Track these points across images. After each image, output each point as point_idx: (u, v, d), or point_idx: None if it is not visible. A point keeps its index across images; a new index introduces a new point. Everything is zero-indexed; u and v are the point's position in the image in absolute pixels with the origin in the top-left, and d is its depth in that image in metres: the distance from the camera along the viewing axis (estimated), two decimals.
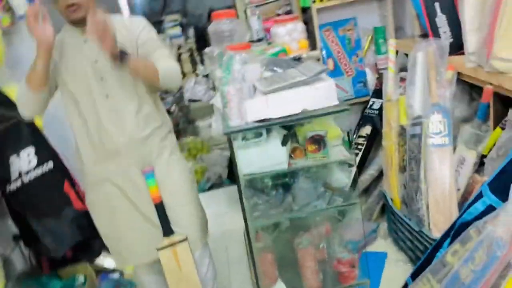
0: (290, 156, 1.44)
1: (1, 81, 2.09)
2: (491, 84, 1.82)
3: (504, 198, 1.47)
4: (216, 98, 1.94)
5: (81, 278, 2.15)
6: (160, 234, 1.72)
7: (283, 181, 1.50)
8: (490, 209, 1.56)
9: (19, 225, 1.94)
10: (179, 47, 6.36)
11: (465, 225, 1.61)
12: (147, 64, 1.61)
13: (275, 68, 1.45)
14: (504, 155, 1.64)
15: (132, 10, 6.46)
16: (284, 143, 1.40)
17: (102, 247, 2.32)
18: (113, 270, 2.33)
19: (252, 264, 1.55)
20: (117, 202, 1.73)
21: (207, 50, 2.50)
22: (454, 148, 1.99)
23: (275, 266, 1.56)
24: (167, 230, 1.70)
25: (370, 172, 2.66)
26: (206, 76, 5.54)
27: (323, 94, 1.33)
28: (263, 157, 1.38)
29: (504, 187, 1.49)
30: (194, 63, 6.36)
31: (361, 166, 2.68)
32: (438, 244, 1.75)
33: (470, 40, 1.90)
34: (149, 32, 1.72)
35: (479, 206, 1.62)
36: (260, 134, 1.39)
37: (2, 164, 1.77)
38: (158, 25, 6.72)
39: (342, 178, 1.53)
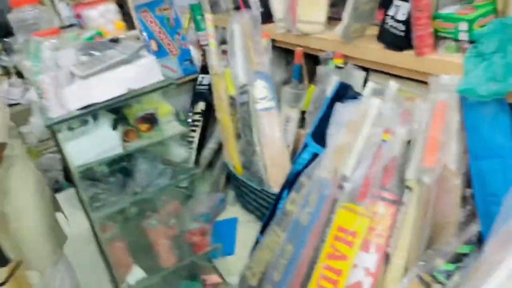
0: (124, 140, 1.40)
1: None
2: (300, 46, 2.01)
3: (324, 144, 1.66)
4: (31, 92, 1.78)
5: None
6: None
7: (121, 166, 1.46)
8: (315, 156, 1.75)
9: None
10: None
11: (297, 174, 1.78)
12: None
13: (91, 52, 1.38)
14: (319, 107, 1.84)
15: None
16: (114, 127, 1.36)
17: None
18: None
19: (103, 257, 1.49)
20: None
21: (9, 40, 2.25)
22: (279, 109, 2.17)
23: (127, 253, 1.52)
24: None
25: (210, 146, 2.73)
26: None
27: (146, 71, 1.32)
28: (94, 145, 1.32)
29: (323, 134, 1.68)
30: None
31: (202, 142, 2.74)
32: (278, 197, 1.91)
33: (277, 8, 2.07)
34: None
35: (306, 156, 1.81)
36: (87, 121, 1.32)
37: None
38: None
39: (181, 152, 1.56)
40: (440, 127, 1.36)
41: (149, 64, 1.33)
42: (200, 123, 2.71)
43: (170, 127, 1.47)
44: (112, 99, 1.29)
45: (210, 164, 2.78)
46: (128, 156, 1.46)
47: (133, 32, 1.94)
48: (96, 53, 1.38)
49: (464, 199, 1.37)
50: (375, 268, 1.47)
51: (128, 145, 1.42)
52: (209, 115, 2.70)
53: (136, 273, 1.51)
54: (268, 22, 2.20)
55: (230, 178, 2.52)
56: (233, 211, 2.50)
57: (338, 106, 1.63)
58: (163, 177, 1.47)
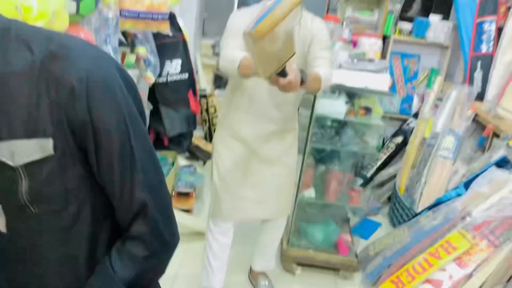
0: (346, 113, 2.26)
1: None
2: (492, 124, 2.60)
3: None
4: None
5: (170, 160, 3.04)
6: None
7: (336, 126, 2.33)
8: (459, 195, 2.35)
9: (152, 108, 2.83)
10: None
11: (440, 202, 2.41)
12: (314, 79, 1.71)
13: (355, 59, 2.28)
14: (482, 168, 2.42)
15: None
16: (346, 103, 2.23)
17: (188, 147, 3.24)
18: (190, 165, 3.23)
19: (299, 174, 2.34)
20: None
21: None
22: (454, 162, 2.78)
23: (311, 178, 2.38)
24: None
25: (389, 171, 3.46)
26: None
27: (380, 81, 2.15)
28: (332, 106, 2.21)
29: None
30: None
31: (385, 164, 3.48)
32: (419, 213, 2.56)
33: (490, 92, 2.69)
34: (324, 34, 1.85)
35: (453, 193, 2.42)
36: (335, 92, 2.22)
37: (161, 64, 2.66)
38: None
39: (371, 139, 2.35)
40: None
41: (384, 78, 2.17)
42: (392, 150, 3.45)
43: (376, 120, 2.28)
44: (354, 87, 2.17)
45: (382, 184, 3.51)
46: (344, 122, 2.32)
47: (383, 61, 2.76)
48: (359, 62, 2.27)
49: None
50: (457, 278, 2.05)
51: (348, 117, 2.28)
52: (401, 148, 3.42)
53: (310, 192, 2.37)
54: (478, 100, 2.83)
55: (391, 197, 3.20)
56: (382, 220, 3.18)
57: (494, 170, 2.23)
58: (355, 146, 2.30)
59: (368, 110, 2.25)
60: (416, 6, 3.87)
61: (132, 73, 2.16)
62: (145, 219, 0.79)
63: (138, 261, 0.81)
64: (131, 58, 2.21)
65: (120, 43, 2.19)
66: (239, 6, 6.86)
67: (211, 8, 5.28)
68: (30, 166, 0.72)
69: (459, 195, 2.37)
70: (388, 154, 3.45)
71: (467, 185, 2.41)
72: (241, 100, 1.95)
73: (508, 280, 1.96)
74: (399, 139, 3.46)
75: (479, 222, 2.10)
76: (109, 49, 1.75)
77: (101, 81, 0.71)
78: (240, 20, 1.78)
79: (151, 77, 2.27)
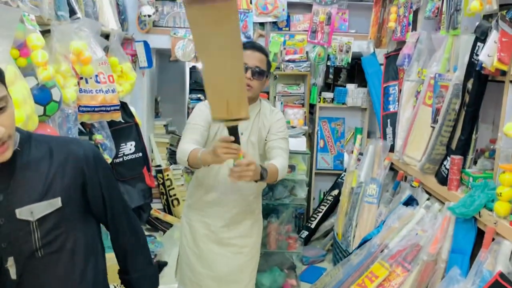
0: None
1: None
2: (402, 170, 3.10)
3: None
4: None
5: None
6: None
7: (270, 184, 2.76)
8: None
9: None
10: None
11: (366, 241, 2.82)
12: (272, 173, 1.97)
13: None
14: (395, 208, 2.88)
15: (192, 78, 7.92)
16: None
17: (147, 219, 3.56)
18: (150, 235, 3.54)
19: None
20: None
21: None
22: (378, 206, 3.23)
23: None
24: None
25: (331, 220, 3.88)
26: None
27: (299, 143, 2.63)
28: None
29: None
30: None
31: (326, 215, 3.91)
32: (351, 253, 2.95)
33: (397, 143, 3.22)
34: (281, 124, 2.22)
35: (375, 232, 2.84)
36: None
37: (116, 146, 3.06)
38: None
39: (300, 192, 2.78)
40: (443, 230, 2.32)
41: (301, 141, 2.65)
42: (330, 202, 3.89)
43: (301, 175, 2.73)
44: None
45: (327, 233, 3.91)
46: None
47: (303, 127, 3.25)
48: None
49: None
50: None
51: None
52: (337, 199, 3.87)
53: None
54: (392, 151, 3.35)
55: (333, 243, 3.60)
56: (327, 265, 3.55)
57: (401, 207, 2.69)
58: (286, 198, 2.72)
59: (293, 167, 2.71)
60: (343, 76, 4.53)
61: None
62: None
63: None
64: None
65: (81, 132, 2.60)
66: (190, 90, 7.46)
67: (164, 92, 5.80)
68: (42, 218, 1.13)
69: (378, 232, 2.80)
70: (327, 206, 3.89)
71: (384, 223, 2.85)
72: (204, 181, 2.24)
73: None
74: (335, 191, 3.91)
75: (394, 252, 2.52)
76: None
77: (97, 152, 1.27)
78: (204, 111, 2.16)
79: (108, 158, 2.66)
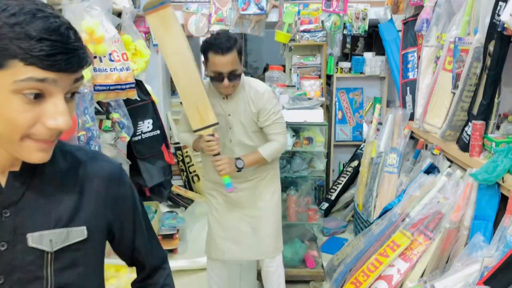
0: (294, 144, 2.68)
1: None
2: (422, 138, 3.05)
3: None
4: None
5: (153, 209, 3.40)
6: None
7: (287, 156, 2.74)
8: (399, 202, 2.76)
9: (131, 163, 3.22)
10: None
11: (387, 211, 2.80)
12: (257, 160, 2.24)
13: (296, 100, 2.73)
14: (417, 175, 2.84)
15: None
16: (292, 136, 2.66)
17: (168, 195, 3.60)
18: (171, 211, 3.59)
19: None
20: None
21: None
22: (399, 175, 3.20)
23: None
24: None
25: (351, 192, 3.86)
26: None
27: (315, 115, 2.59)
28: None
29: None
30: None
31: (346, 187, 3.89)
32: (371, 223, 2.94)
33: (417, 111, 3.15)
34: (270, 106, 2.23)
35: (396, 201, 2.82)
36: None
37: (134, 125, 3.08)
38: None
39: (318, 164, 2.75)
40: (465, 198, 2.28)
41: (318, 112, 2.62)
42: (350, 174, 3.87)
43: (319, 147, 2.71)
44: (296, 122, 2.61)
45: (347, 205, 3.90)
46: (292, 153, 2.74)
47: (318, 99, 3.21)
48: (297, 101, 2.73)
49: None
50: (404, 271, 2.42)
51: (294, 148, 2.70)
52: (357, 171, 3.84)
53: None
54: (412, 120, 3.29)
55: (354, 213, 3.59)
56: (348, 236, 3.55)
57: (422, 175, 2.65)
58: (304, 171, 2.71)
59: (310, 140, 2.68)
60: (360, 45, 4.44)
61: (110, 135, 2.57)
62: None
63: None
64: (107, 123, 2.62)
65: (98, 112, 2.62)
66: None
67: None
68: (60, 250, 0.83)
69: (400, 201, 2.78)
70: (347, 177, 3.86)
71: (405, 192, 2.82)
72: (208, 161, 2.32)
73: (444, 267, 2.34)
74: (355, 163, 3.88)
75: (415, 221, 2.49)
76: (87, 118, 2.16)
77: (123, 169, 0.98)
78: None
79: (126, 137, 2.68)
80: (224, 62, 2.08)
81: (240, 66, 2.16)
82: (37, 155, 0.76)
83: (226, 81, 2.10)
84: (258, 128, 2.30)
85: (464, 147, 2.45)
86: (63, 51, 0.70)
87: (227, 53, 2.08)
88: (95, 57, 2.29)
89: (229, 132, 2.29)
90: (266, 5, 3.80)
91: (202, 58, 2.24)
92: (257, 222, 2.44)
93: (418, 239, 2.44)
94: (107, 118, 2.62)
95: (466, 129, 2.47)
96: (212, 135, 2.12)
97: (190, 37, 3.90)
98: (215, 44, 2.10)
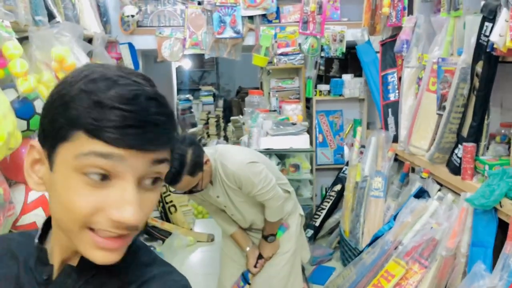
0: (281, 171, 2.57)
1: None
2: (408, 161, 2.98)
3: None
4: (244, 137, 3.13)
5: None
6: None
7: None
8: (390, 228, 2.66)
9: None
10: (209, 112, 7.61)
11: (377, 238, 2.69)
12: (272, 227, 2.32)
13: (279, 125, 2.62)
14: (405, 200, 2.76)
15: (179, 78, 7.83)
16: (278, 163, 2.54)
17: (144, 228, 3.39)
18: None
19: None
20: None
21: (233, 118, 3.74)
22: (385, 199, 3.11)
23: None
24: None
25: (335, 217, 3.75)
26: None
27: (301, 141, 2.49)
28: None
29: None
30: (218, 128, 7.57)
31: (330, 212, 3.78)
32: (362, 251, 2.82)
33: (402, 134, 3.09)
34: (246, 182, 2.06)
35: (386, 227, 2.72)
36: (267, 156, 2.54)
37: None
38: (195, 92, 8.09)
39: (305, 191, 2.64)
40: (461, 223, 2.20)
41: (304, 138, 2.51)
42: (333, 198, 3.76)
43: (306, 174, 2.59)
44: (282, 149, 2.49)
45: (332, 230, 3.78)
46: None
47: (302, 123, 3.12)
48: (281, 127, 2.62)
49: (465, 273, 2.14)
50: None
51: None
52: (341, 194, 3.74)
53: None
54: (395, 142, 3.22)
55: (340, 240, 3.47)
56: (335, 264, 3.42)
57: (413, 200, 2.56)
58: None
59: (297, 167, 2.57)
60: (335, 67, 4.40)
61: None
62: None
63: None
64: None
65: None
66: (178, 91, 7.33)
67: None
68: None
69: (390, 228, 2.68)
70: (331, 202, 3.75)
71: (396, 217, 2.73)
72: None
73: None
74: (338, 186, 3.78)
75: (409, 249, 2.39)
76: None
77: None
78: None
79: None
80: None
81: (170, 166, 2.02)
82: (99, 254, 0.59)
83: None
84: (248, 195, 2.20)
85: (455, 170, 2.38)
86: (136, 124, 0.56)
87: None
88: None
89: (230, 208, 2.25)
90: (242, 29, 3.72)
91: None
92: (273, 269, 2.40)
93: (413, 268, 2.34)
94: None
95: (456, 151, 2.41)
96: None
97: (163, 62, 3.77)
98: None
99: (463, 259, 2.15)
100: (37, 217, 1.72)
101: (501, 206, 1.97)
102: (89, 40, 2.81)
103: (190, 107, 7.17)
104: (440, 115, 2.56)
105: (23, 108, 1.66)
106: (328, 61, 4.29)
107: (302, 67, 3.80)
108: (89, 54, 2.69)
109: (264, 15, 3.77)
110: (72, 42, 2.22)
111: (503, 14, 1.97)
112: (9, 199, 1.53)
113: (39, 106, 1.71)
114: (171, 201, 4.08)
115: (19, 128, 1.62)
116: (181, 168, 1.84)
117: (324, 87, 3.87)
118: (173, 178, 1.86)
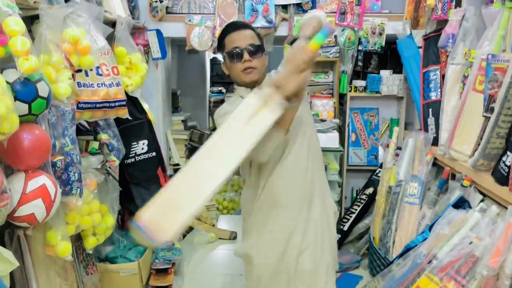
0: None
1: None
2: (449, 166, 2.72)
3: None
4: None
5: None
6: None
7: None
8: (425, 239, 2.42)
9: (123, 188, 2.91)
10: None
11: (409, 249, 2.46)
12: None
13: None
14: (443, 209, 2.51)
15: (214, 70, 7.65)
16: None
17: None
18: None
19: None
20: None
21: None
22: (421, 207, 2.86)
23: None
24: None
25: (365, 222, 3.52)
26: None
27: (330, 139, 2.28)
28: None
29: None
30: None
31: (360, 216, 3.55)
32: (391, 262, 2.60)
33: (443, 136, 2.83)
34: None
35: (420, 238, 2.48)
36: None
37: (127, 146, 2.78)
38: (230, 85, 7.94)
39: (332, 194, 2.43)
40: (507, 240, 1.95)
41: (333, 136, 2.30)
42: (364, 202, 3.53)
43: (333, 176, 2.39)
44: None
45: (362, 235, 3.55)
46: None
47: (332, 120, 2.91)
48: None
49: None
50: None
51: None
52: (372, 198, 3.50)
53: None
54: (435, 145, 2.96)
55: (369, 247, 3.24)
56: (362, 272, 3.20)
57: (451, 210, 2.31)
58: None
59: (324, 167, 2.36)
60: (374, 63, 4.13)
61: (96, 158, 2.27)
62: None
63: None
64: (94, 145, 2.33)
65: (83, 132, 2.32)
66: (212, 83, 7.17)
67: (184, 85, 5.54)
68: None
69: (425, 239, 2.44)
70: (361, 205, 3.53)
71: (431, 228, 2.48)
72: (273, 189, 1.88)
73: None
74: (370, 190, 3.55)
75: (444, 264, 2.15)
76: (66, 140, 1.86)
77: None
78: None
79: (115, 160, 2.38)
80: (241, 36, 1.85)
81: (261, 45, 1.89)
82: None
83: (246, 55, 1.81)
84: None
85: (502, 179, 2.12)
86: None
87: (244, 29, 1.89)
88: (79, 70, 2.00)
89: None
90: (275, 18, 3.52)
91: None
92: None
93: (448, 286, 2.10)
94: (95, 139, 2.33)
95: (504, 158, 2.14)
96: None
97: (193, 50, 3.63)
98: (230, 25, 1.95)
99: (507, 282, 1.90)
100: (35, 208, 1.60)
101: None
102: (113, 25, 2.68)
103: (223, 100, 7.03)
104: (487, 118, 2.30)
105: (24, 90, 1.53)
106: (367, 56, 4.03)
107: (337, 61, 3.57)
108: (112, 38, 2.57)
109: (299, 4, 3.56)
110: (89, 23, 2.09)
111: None
112: (1, 188, 1.41)
113: (42, 89, 1.59)
114: None
115: (20, 112, 1.50)
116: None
117: (360, 83, 3.63)
118: (245, 24, 1.97)
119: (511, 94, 2.12)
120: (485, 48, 2.47)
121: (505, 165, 2.12)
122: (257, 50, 1.86)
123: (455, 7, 3.00)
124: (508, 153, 2.11)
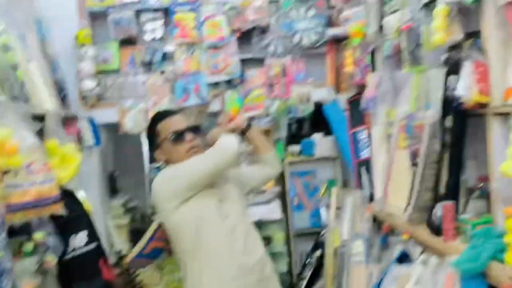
0: None
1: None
2: (387, 221, 2.82)
3: None
4: None
5: None
6: None
7: None
8: None
9: (63, 286, 2.74)
10: None
11: None
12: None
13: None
14: (388, 266, 2.57)
15: None
16: None
17: None
18: None
19: None
20: None
21: None
22: (367, 265, 2.91)
23: None
24: None
25: (317, 286, 3.51)
26: None
27: (272, 210, 2.33)
28: None
29: None
30: None
31: (312, 281, 3.54)
32: None
33: (377, 193, 2.96)
34: None
35: None
36: None
37: (65, 240, 2.66)
38: None
39: (280, 266, 2.44)
40: None
41: (275, 206, 2.35)
42: (314, 266, 3.54)
43: (279, 247, 2.40)
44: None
45: None
46: None
47: (272, 190, 2.97)
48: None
49: None
50: None
51: None
52: (321, 262, 3.52)
53: None
54: (371, 201, 3.08)
55: None
56: None
57: (395, 266, 2.38)
58: None
59: (269, 240, 2.38)
60: (306, 127, 4.32)
61: (31, 261, 2.15)
62: None
63: None
64: (29, 246, 2.21)
65: (15, 232, 2.20)
66: (151, 162, 7.07)
67: (122, 165, 5.43)
68: None
69: None
70: (312, 270, 3.53)
71: (379, 287, 2.53)
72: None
73: None
74: (318, 252, 3.58)
75: None
76: None
77: None
78: None
79: (51, 261, 2.26)
80: (177, 119, 1.94)
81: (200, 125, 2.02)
82: None
83: (188, 135, 1.89)
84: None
85: (436, 230, 2.23)
86: None
87: (174, 114, 1.98)
88: (6, 172, 1.94)
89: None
90: (207, 95, 3.64)
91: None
92: None
93: None
94: (28, 240, 2.22)
95: (434, 211, 2.27)
96: None
97: (125, 134, 3.63)
98: (159, 114, 2.05)
99: None
100: None
101: (490, 271, 1.81)
102: (42, 118, 2.65)
103: None
104: (414, 172, 2.45)
105: None
106: (299, 121, 4.22)
107: (270, 130, 3.71)
108: (41, 132, 2.53)
109: (229, 81, 3.71)
110: (17, 122, 2.06)
111: (467, 67, 1.91)
112: None
113: None
114: (142, 280, 3.79)
115: None
116: None
117: (295, 148, 3.77)
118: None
119: (431, 150, 2.28)
120: (402, 108, 2.67)
121: (436, 216, 2.23)
122: (197, 128, 1.95)
123: (372, 71, 3.25)
124: (438, 204, 2.24)
